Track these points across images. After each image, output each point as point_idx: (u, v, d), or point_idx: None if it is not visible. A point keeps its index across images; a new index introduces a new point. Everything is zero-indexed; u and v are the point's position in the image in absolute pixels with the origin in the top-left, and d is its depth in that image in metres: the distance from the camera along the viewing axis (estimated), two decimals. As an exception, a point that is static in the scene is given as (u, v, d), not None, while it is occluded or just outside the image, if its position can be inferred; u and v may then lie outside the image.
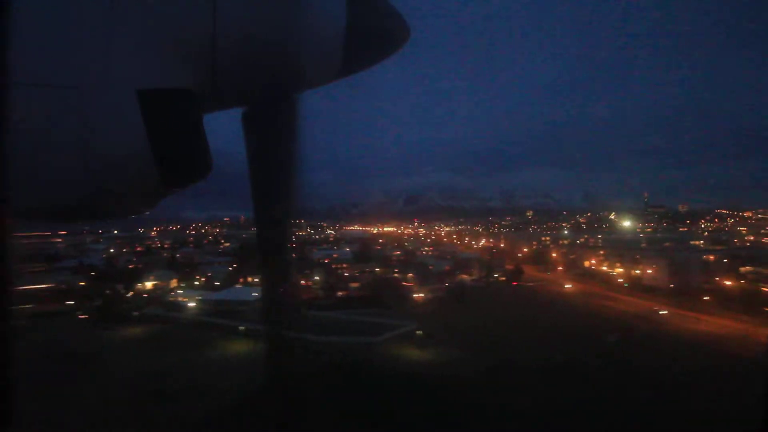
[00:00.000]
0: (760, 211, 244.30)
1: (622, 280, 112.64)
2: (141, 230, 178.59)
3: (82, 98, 2.79)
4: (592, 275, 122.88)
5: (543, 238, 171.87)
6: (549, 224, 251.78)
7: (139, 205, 3.38)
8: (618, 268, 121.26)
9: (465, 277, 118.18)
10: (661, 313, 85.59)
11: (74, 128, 2.80)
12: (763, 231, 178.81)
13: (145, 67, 2.94)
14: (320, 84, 3.72)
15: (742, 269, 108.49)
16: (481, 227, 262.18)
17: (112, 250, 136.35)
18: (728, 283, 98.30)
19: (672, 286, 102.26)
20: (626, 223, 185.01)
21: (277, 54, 3.24)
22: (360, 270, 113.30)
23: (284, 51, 3.25)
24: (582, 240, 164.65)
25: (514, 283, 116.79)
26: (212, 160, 3.22)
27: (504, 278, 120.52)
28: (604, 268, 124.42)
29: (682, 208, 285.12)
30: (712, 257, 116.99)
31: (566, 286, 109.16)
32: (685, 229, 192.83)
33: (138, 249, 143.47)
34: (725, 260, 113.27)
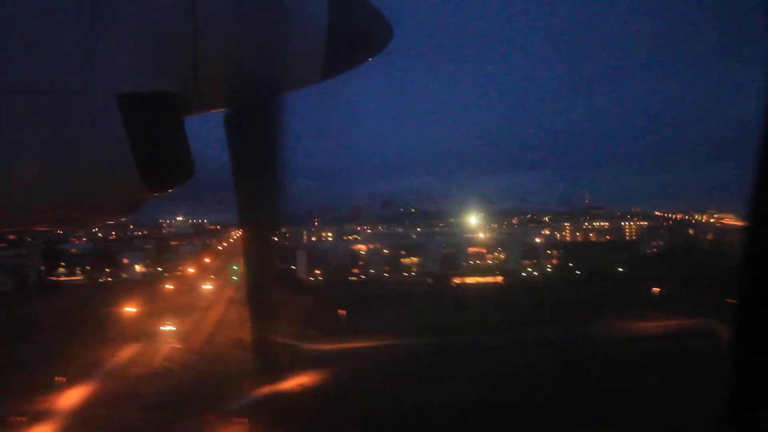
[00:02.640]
0: (693, 213, 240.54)
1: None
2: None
3: (61, 103, 2.74)
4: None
5: (323, 234, 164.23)
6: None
7: (122, 210, 3.38)
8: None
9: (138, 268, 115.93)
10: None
11: (54, 134, 2.75)
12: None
13: (125, 71, 2.90)
14: (303, 86, 3.70)
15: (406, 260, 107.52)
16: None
17: None
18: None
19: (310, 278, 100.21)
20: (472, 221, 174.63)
21: (258, 57, 3.20)
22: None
23: (266, 54, 3.21)
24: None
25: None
26: (194, 163, 3.22)
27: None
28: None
29: (634, 210, 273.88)
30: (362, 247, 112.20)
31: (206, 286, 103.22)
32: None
33: None
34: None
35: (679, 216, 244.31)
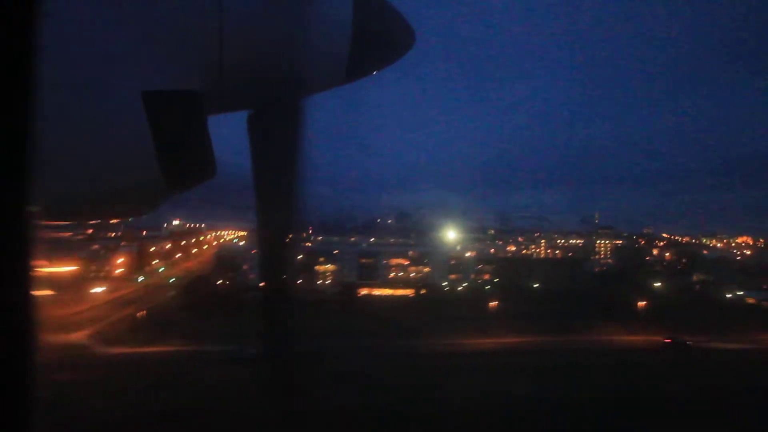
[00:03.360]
0: (701, 236, 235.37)
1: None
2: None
3: (86, 99, 2.75)
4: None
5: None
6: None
7: (142, 206, 3.38)
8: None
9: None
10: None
11: (78, 129, 2.75)
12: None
13: (150, 68, 2.90)
14: (327, 88, 3.76)
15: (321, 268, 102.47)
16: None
17: None
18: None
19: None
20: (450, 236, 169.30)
21: (283, 57, 3.23)
22: None
23: (291, 54, 3.24)
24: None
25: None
26: (216, 162, 3.22)
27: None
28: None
29: (646, 231, 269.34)
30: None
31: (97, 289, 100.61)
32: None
33: None
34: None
35: (685, 239, 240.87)
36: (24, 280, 2.02)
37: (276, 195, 3.33)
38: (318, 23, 3.28)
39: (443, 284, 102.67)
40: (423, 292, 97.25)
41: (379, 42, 3.70)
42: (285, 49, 3.16)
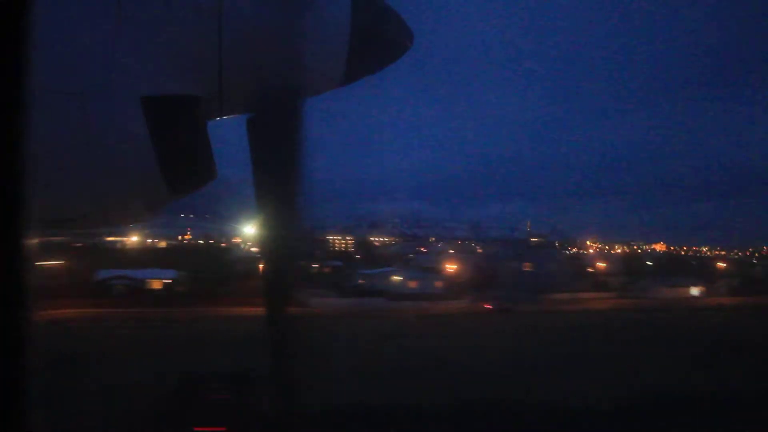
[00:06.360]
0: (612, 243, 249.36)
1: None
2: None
3: (85, 105, 2.69)
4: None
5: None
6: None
7: (143, 213, 3.38)
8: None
9: None
10: None
11: (77, 135, 2.70)
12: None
13: (149, 74, 2.87)
14: (325, 90, 3.72)
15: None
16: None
17: None
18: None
19: None
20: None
21: (282, 60, 3.18)
22: None
23: (290, 57, 3.19)
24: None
25: None
26: (216, 166, 3.23)
27: None
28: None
29: (589, 240, 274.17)
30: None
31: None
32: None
33: None
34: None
35: (596, 245, 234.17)
36: (20, 287, 2.03)
37: (277, 199, 3.23)
38: (316, 25, 3.23)
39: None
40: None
41: (377, 43, 3.63)
42: (284, 52, 3.10)
